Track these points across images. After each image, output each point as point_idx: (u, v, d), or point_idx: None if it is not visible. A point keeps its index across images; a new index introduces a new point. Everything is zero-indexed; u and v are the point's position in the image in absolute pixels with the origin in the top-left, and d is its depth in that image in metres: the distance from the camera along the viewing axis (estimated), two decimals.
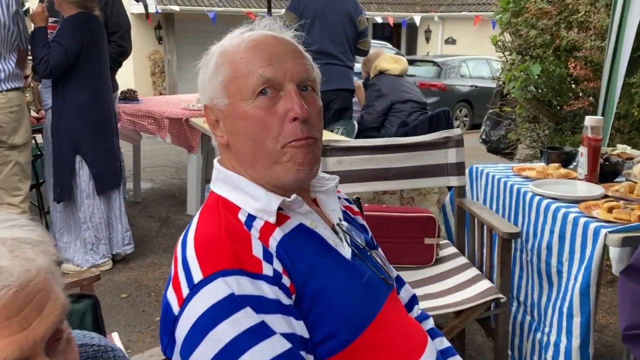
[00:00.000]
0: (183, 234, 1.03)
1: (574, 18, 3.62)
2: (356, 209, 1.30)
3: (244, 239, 0.97)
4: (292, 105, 1.00)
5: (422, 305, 2.12)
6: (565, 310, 1.95)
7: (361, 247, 1.13)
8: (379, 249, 1.31)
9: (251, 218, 1.01)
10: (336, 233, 1.11)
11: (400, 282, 1.35)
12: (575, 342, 1.91)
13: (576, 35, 3.57)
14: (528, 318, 2.27)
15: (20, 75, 3.27)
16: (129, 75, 14.09)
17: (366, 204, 2.65)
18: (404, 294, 1.34)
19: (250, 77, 1.00)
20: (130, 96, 4.93)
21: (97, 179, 3.51)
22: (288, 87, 1.02)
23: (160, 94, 14.19)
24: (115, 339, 1.86)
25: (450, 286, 2.21)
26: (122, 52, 4.13)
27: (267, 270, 0.93)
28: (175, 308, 0.92)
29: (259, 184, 1.04)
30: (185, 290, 0.91)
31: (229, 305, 0.88)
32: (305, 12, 4.42)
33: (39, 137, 4.02)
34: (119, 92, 4.65)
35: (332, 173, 2.38)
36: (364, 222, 1.30)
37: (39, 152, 3.90)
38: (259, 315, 0.89)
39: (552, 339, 2.03)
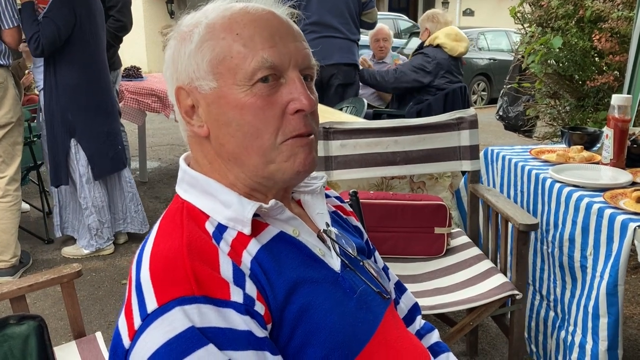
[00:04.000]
0: (140, 247, 0.87)
1: None
2: (348, 209, 1.13)
3: (210, 256, 0.80)
4: (298, 96, 0.85)
5: (432, 301, 1.99)
6: (590, 309, 1.78)
7: (352, 256, 0.97)
8: (376, 253, 1.15)
9: (221, 229, 0.85)
10: (323, 241, 0.95)
11: (400, 289, 1.19)
12: (603, 344, 1.75)
13: (601, 4, 3.32)
14: (552, 314, 2.11)
15: (3, 53, 3.08)
16: (141, 50, 13.98)
17: (373, 191, 2.49)
18: (404, 303, 1.18)
19: (250, 59, 0.83)
20: (133, 73, 4.78)
21: (92, 164, 3.36)
22: (291, 74, 0.86)
23: None
24: (99, 338, 1.75)
25: (461, 280, 2.05)
26: (121, 27, 3.97)
27: (236, 295, 0.77)
28: (126, 340, 0.76)
29: (234, 186, 0.89)
30: (137, 321, 0.75)
31: (188, 341, 0.72)
32: None
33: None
34: (122, 69, 4.51)
35: (335, 157, 2.27)
36: (359, 224, 1.13)
37: (37, 134, 3.75)
38: (224, 352, 0.73)
39: (577, 339, 1.87)
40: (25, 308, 1.61)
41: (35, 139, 3.77)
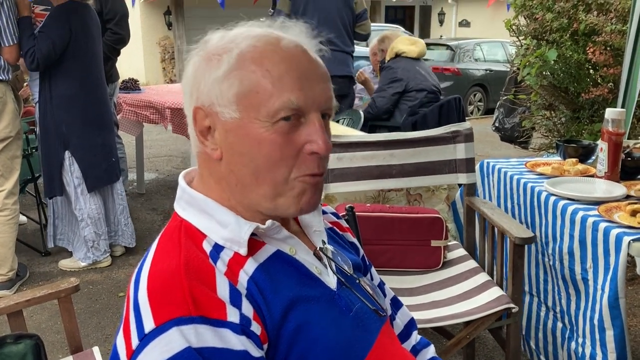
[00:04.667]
0: (138, 266, 0.88)
1: (593, 0, 3.41)
2: (345, 225, 1.15)
3: (207, 276, 0.81)
4: (317, 139, 0.86)
5: (429, 314, 1.99)
6: (596, 322, 1.80)
7: (348, 274, 0.98)
8: (372, 269, 1.16)
9: (218, 248, 0.86)
10: (320, 258, 0.96)
11: (396, 305, 1.20)
12: (612, 356, 1.76)
13: (595, 18, 3.35)
14: (560, 325, 2.11)
15: (3, 68, 3.10)
16: (138, 61, 14.02)
17: (369, 203, 2.50)
18: (400, 319, 1.19)
19: (275, 98, 0.84)
20: (131, 86, 4.79)
21: (85, 176, 3.37)
22: (312, 116, 0.87)
23: (171, 80, 14.06)
24: (96, 353, 1.75)
25: (458, 293, 2.06)
26: (119, 39, 3.99)
27: (232, 316, 0.78)
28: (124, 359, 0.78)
29: (234, 208, 0.89)
30: (134, 341, 0.77)
31: None
32: None
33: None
34: (119, 81, 4.52)
35: (332, 170, 2.28)
36: (355, 240, 1.14)
37: (34, 146, 3.75)
38: None
39: (588, 351, 1.89)
40: (22, 323, 1.61)
41: (33, 151, 3.78)
